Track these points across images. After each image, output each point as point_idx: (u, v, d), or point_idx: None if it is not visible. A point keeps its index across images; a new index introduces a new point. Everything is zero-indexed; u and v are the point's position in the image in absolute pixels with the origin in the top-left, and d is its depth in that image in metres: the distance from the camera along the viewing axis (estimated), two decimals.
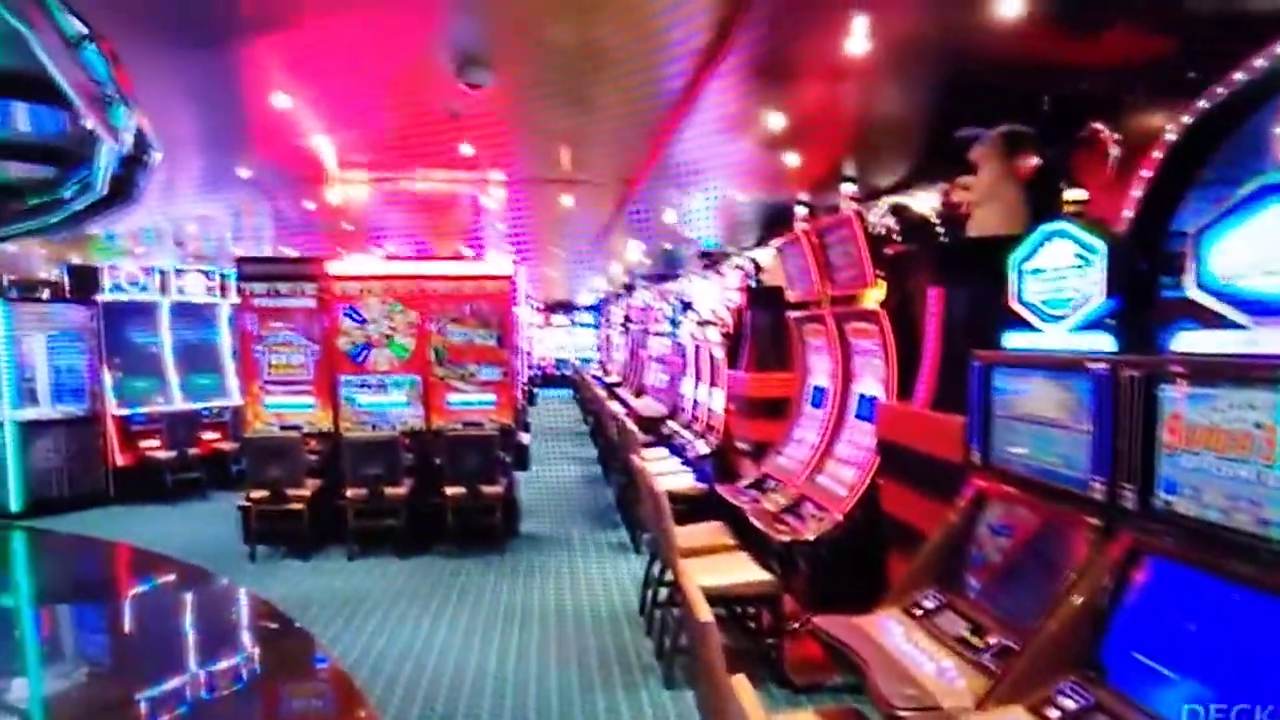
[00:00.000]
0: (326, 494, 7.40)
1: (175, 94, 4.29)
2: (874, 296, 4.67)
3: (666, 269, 13.28)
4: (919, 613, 3.03)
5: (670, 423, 9.25)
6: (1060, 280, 2.80)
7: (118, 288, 10.08)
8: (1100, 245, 2.64)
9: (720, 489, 5.68)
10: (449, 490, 7.25)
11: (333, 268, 7.90)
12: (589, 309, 27.21)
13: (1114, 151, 3.36)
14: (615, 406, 10.14)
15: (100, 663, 5.48)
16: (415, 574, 6.78)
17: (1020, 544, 2.87)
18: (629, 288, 18.18)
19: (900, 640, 2.87)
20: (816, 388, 5.49)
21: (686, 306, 9.15)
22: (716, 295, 8.27)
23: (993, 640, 2.67)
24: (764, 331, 6.60)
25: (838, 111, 4.74)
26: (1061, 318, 2.79)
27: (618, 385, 15.39)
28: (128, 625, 6.34)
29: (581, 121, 5.25)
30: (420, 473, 7.59)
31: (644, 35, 3.74)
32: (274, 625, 5.72)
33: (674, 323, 9.95)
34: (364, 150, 5.81)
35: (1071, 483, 2.62)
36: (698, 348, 8.40)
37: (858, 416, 4.94)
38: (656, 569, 5.36)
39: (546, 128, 5.34)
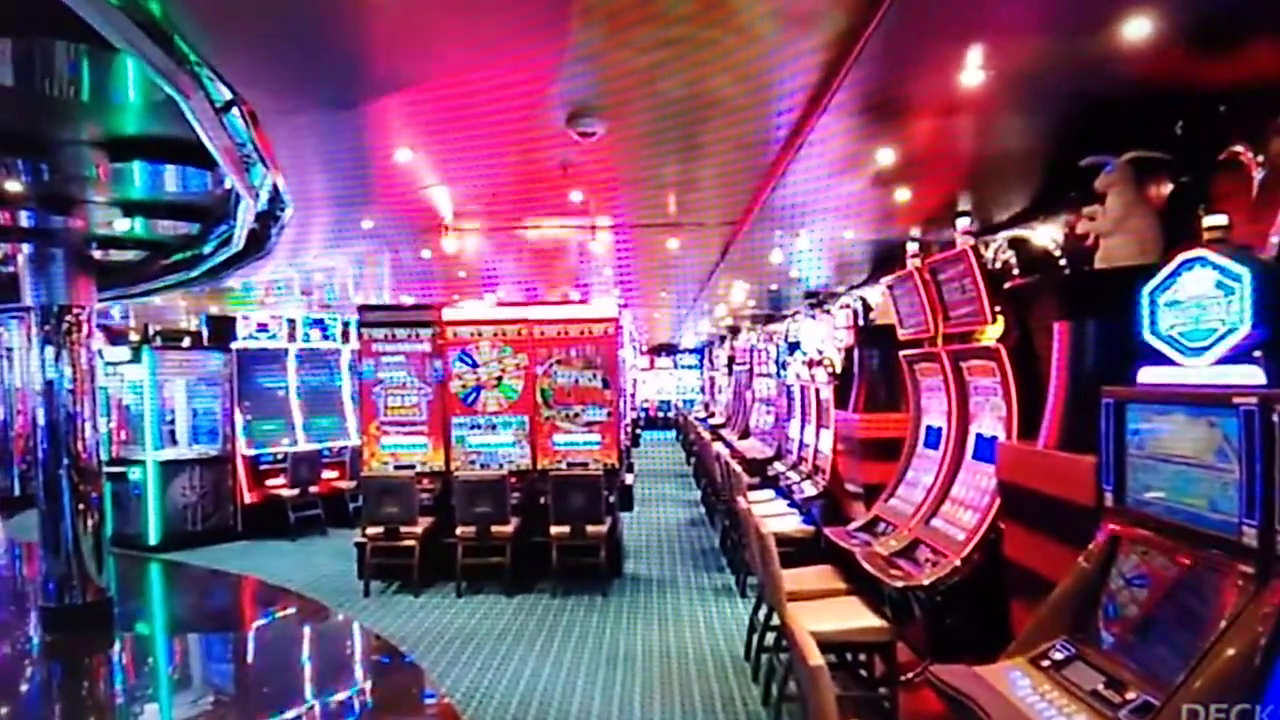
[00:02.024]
0: (438, 531, 7.60)
1: (306, 153, 4.57)
2: (992, 333, 4.48)
3: (772, 310, 13.18)
4: (1047, 664, 2.83)
5: (776, 464, 9.09)
6: (1200, 311, 2.61)
7: (250, 336, 10.77)
8: (1245, 273, 2.46)
9: (829, 532, 5.51)
10: (554, 530, 7.31)
11: (447, 314, 8.22)
12: (692, 351, 27.27)
13: (1258, 175, 3.14)
14: (720, 448, 10.05)
15: (225, 691, 5.81)
16: (521, 612, 6.83)
17: (1160, 591, 2.66)
18: (734, 330, 18.13)
19: (1028, 693, 2.68)
20: (931, 428, 5.29)
21: (793, 347, 9.04)
22: (824, 335, 8.13)
23: (1132, 695, 2.46)
24: (874, 371, 6.43)
25: (953, 145, 4.62)
26: (1202, 350, 2.60)
27: (722, 427, 15.28)
28: (250, 655, 6.71)
29: (688, 167, 5.29)
30: (526, 512, 7.70)
31: (754, 81, 3.76)
32: (386, 659, 5.93)
33: (780, 364, 9.84)
34: (479, 200, 6.02)
35: (1218, 527, 2.41)
36: (804, 388, 8.26)
37: (975, 457, 4.73)
38: (763, 613, 5.24)
39: (654, 174, 5.41)
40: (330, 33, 3.01)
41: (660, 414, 26.30)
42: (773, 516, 6.82)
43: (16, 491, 13.54)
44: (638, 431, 20.20)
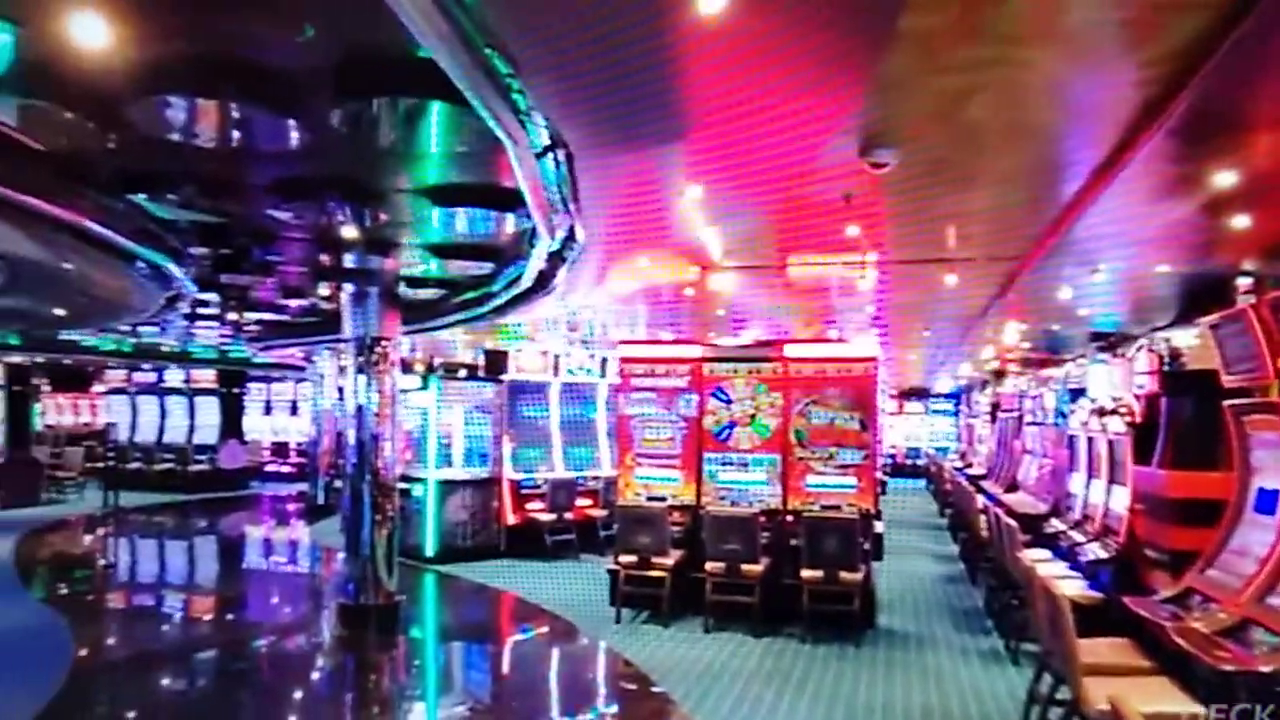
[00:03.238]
0: (687, 565, 7.67)
1: (605, 192, 4.83)
2: None
3: (1048, 352, 12.07)
4: None
5: (1054, 522, 8.24)
6: None
7: (519, 369, 11.64)
8: None
9: (1130, 602, 4.86)
10: (805, 573, 7.11)
11: (703, 351, 8.38)
12: (947, 396, 25.65)
13: None
14: (982, 501, 9.31)
15: (482, 700, 6.18)
16: (769, 654, 6.69)
17: None
18: (998, 374, 16.83)
19: None
20: (1265, 490, 4.52)
21: (1075, 394, 8.17)
22: (1119, 381, 7.27)
23: None
24: (1186, 423, 5.62)
25: None
26: None
27: (982, 478, 14.16)
28: (511, 668, 7.11)
29: (977, 197, 4.98)
30: (776, 552, 7.57)
31: (1071, 103, 3.48)
32: (635, 686, 6.02)
33: (1061, 412, 8.95)
34: (751, 236, 6.06)
35: None
36: (1092, 440, 7.43)
37: None
38: (1045, 684, 4.71)
39: (938, 206, 5.15)
40: (650, 72, 3.15)
41: (909, 461, 24.95)
42: (1052, 579, 6.14)
43: (320, 501, 15.55)
44: (884, 479, 19.31)
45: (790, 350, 8.13)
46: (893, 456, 24.31)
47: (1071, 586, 6.10)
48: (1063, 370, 9.18)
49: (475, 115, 3.30)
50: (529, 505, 11.13)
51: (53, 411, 21.31)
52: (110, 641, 7.70)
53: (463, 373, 14.63)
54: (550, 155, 3.65)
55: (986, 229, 5.72)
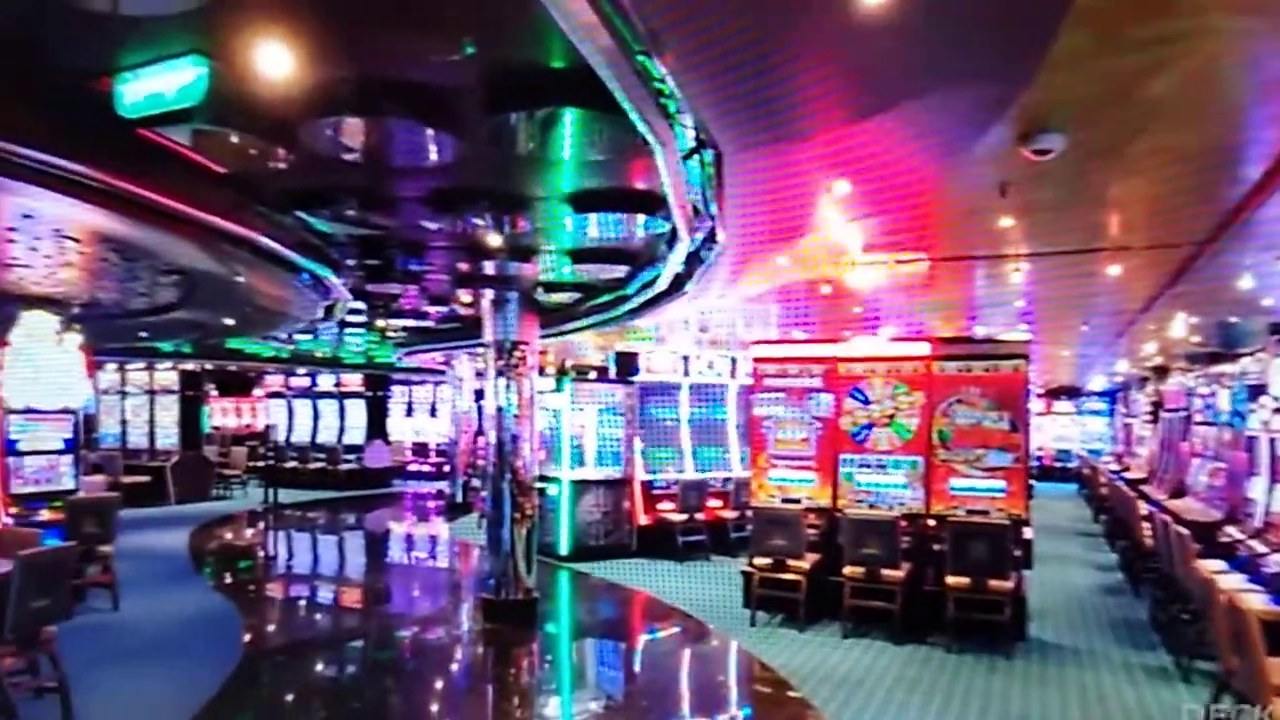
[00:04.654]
0: (823, 568, 7.52)
1: (748, 192, 4.77)
2: None
3: (1220, 347, 11.12)
4: None
5: (1230, 530, 7.59)
6: None
7: (650, 370, 11.76)
8: None
9: None
10: (950, 580, 6.84)
11: (840, 350, 8.19)
12: (1100, 395, 24.02)
13: None
14: (1144, 507, 8.70)
15: (614, 696, 6.27)
16: (911, 662, 6.49)
17: None
18: (1160, 370, 15.62)
19: None
20: None
21: (1255, 391, 7.48)
22: None
23: None
24: None
25: None
26: None
27: (1143, 482, 13.19)
28: (646, 666, 7.17)
29: (1147, 182, 4.66)
30: (917, 557, 7.33)
31: (1265, 74, 3.20)
32: (773, 689, 5.95)
33: (1237, 411, 8.23)
34: (895, 232, 5.89)
35: None
36: (1274, 441, 6.81)
37: None
38: (1225, 706, 4.40)
39: (1104, 193, 4.85)
40: (803, 65, 3.12)
41: (1058, 464, 23.52)
42: (1235, 593, 5.67)
43: (459, 499, 16.20)
44: (1031, 483, 18.31)
45: (932, 348, 7.83)
46: (1040, 459, 22.98)
47: (1255, 601, 5.62)
48: (1239, 365, 8.42)
49: (618, 121, 3.35)
50: (660, 505, 11.22)
51: (218, 415, 23.11)
52: (273, 627, 8.28)
53: (593, 374, 14.89)
54: (696, 156, 3.66)
55: (1156, 215, 5.33)
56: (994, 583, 6.70)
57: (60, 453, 8.75)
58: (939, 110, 3.54)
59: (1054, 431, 24.44)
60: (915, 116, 3.62)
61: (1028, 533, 7.31)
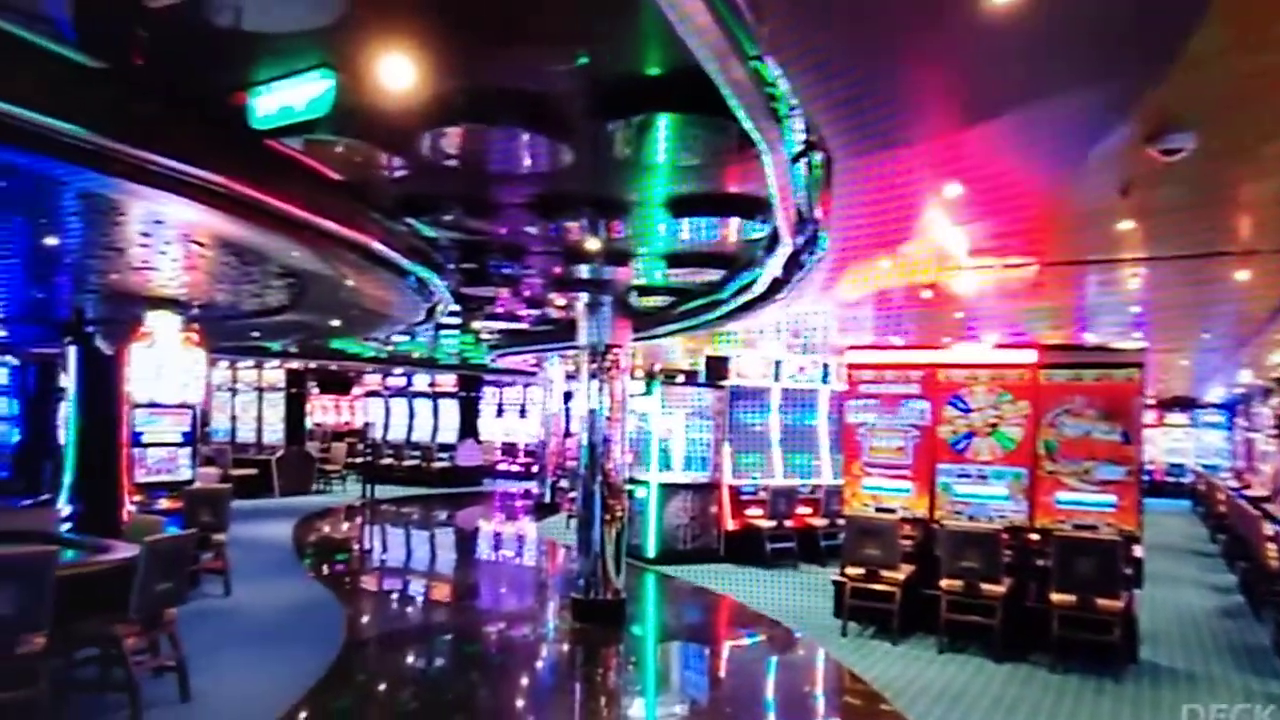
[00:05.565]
0: (918, 580, 7.33)
1: (853, 196, 4.73)
2: None
3: None
4: None
5: None
6: None
7: (740, 374, 11.68)
8: None
9: None
10: (1055, 597, 6.57)
11: (939, 356, 7.98)
12: (1218, 407, 22.66)
13: None
14: (1270, 527, 8.18)
15: (699, 701, 6.24)
16: (1012, 681, 6.26)
17: None
18: None
19: None
20: None
21: None
22: None
23: None
24: None
25: None
26: None
27: (1265, 500, 12.39)
28: (733, 672, 7.12)
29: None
30: (1019, 572, 7.05)
31: None
32: (865, 703, 5.82)
33: None
34: (1004, 236, 5.71)
35: None
36: None
37: None
38: None
39: (1231, 193, 4.59)
40: (915, 70, 3.07)
41: (1171, 479, 22.28)
42: None
43: (547, 499, 16.44)
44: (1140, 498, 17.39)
45: (1039, 356, 7.51)
46: (1150, 473, 21.79)
47: None
48: None
49: (717, 125, 3.35)
50: (748, 511, 11.12)
51: (319, 412, 24.09)
52: (369, 618, 8.57)
53: (681, 378, 14.90)
54: (804, 160, 3.63)
55: None
56: (1103, 601, 6.40)
57: (179, 445, 9.30)
58: (1058, 110, 3.41)
59: (1166, 445, 23.15)
60: (1034, 116, 3.50)
61: (1138, 550, 6.96)
